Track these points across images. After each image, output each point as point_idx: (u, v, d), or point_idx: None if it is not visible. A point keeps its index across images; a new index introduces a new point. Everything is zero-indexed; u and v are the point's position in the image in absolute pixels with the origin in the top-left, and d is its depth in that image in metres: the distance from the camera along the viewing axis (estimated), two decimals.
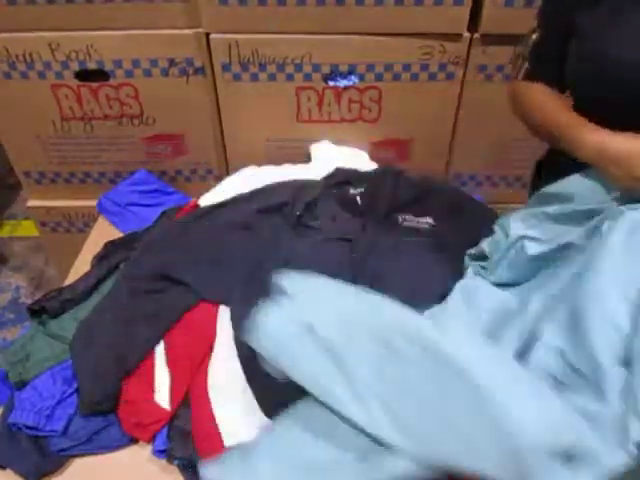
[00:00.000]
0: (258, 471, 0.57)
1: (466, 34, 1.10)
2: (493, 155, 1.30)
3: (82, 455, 0.82)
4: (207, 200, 1.14)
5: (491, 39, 1.11)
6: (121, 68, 1.16)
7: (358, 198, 1.08)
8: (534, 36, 0.82)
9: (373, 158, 1.25)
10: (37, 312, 0.99)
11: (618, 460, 0.50)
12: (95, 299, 1.01)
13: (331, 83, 1.18)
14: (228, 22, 1.09)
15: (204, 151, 1.31)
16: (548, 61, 0.82)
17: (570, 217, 0.72)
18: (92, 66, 1.16)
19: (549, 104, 0.80)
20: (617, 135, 0.68)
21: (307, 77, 1.17)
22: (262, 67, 1.15)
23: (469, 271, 0.84)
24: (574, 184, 0.74)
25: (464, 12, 1.07)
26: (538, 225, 0.75)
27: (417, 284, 0.96)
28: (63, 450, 0.82)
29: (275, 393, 0.80)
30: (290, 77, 1.16)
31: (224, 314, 0.93)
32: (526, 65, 0.84)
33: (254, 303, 0.92)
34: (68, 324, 0.96)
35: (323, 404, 0.59)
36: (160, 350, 0.89)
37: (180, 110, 1.23)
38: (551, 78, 0.82)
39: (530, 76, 0.84)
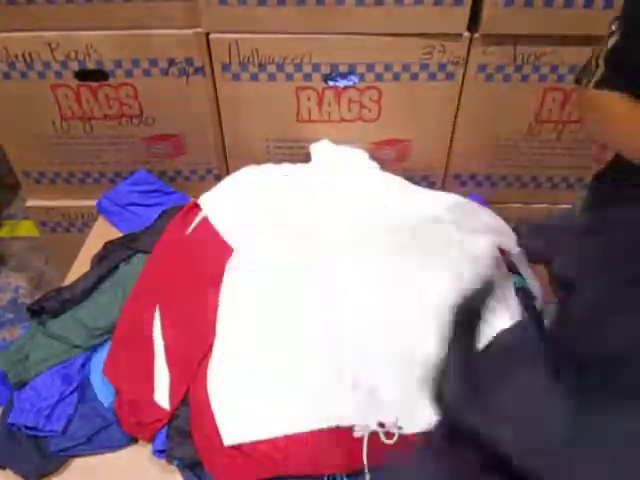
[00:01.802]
0: None
1: (466, 34, 1.10)
2: (493, 155, 1.29)
3: (82, 455, 0.82)
4: (207, 200, 1.14)
5: (491, 39, 1.10)
6: (121, 68, 1.16)
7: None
8: (612, 40, 0.75)
9: (373, 158, 1.25)
10: (37, 312, 0.99)
11: None
12: (95, 299, 1.02)
13: (331, 83, 1.17)
14: (228, 22, 1.09)
15: (204, 151, 1.31)
16: (629, 69, 0.75)
17: None
18: (91, 66, 1.15)
19: (625, 115, 0.74)
20: None
21: (307, 77, 1.16)
22: (262, 67, 1.15)
23: None
24: None
25: (464, 12, 1.07)
26: None
27: None
28: (63, 450, 0.82)
29: None
30: (290, 77, 1.16)
31: (224, 314, 0.93)
32: (602, 71, 0.77)
33: None
34: (68, 324, 0.96)
35: None
36: (160, 350, 0.89)
37: (180, 110, 1.23)
38: (630, 87, 0.75)
39: (605, 83, 0.77)
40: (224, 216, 1.10)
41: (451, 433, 0.49)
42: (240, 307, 0.94)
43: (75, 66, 1.15)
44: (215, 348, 0.89)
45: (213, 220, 1.09)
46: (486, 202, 1.28)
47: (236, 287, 0.98)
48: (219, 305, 0.95)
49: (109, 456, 0.83)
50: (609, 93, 0.77)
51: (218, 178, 1.29)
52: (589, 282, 0.58)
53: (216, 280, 1.00)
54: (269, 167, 1.23)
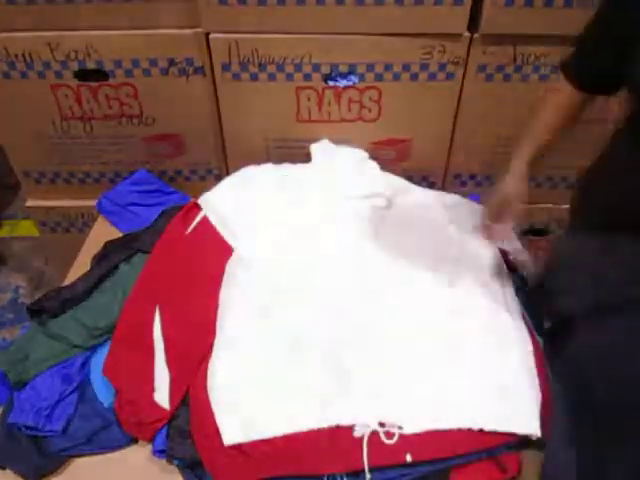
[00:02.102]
0: None
1: (466, 34, 1.10)
2: (493, 155, 1.29)
3: (82, 455, 0.82)
4: (207, 200, 1.14)
5: (491, 39, 1.11)
6: (121, 68, 1.16)
7: None
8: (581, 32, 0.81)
9: (373, 158, 1.25)
10: (37, 312, 0.98)
11: None
12: (95, 299, 1.01)
13: (331, 83, 1.17)
14: (228, 22, 1.09)
15: (204, 151, 1.31)
16: (581, 54, 0.82)
17: None
18: (91, 66, 1.16)
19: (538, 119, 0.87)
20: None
21: (307, 77, 1.16)
22: (262, 67, 1.15)
23: None
24: None
25: (464, 12, 1.07)
26: None
27: None
28: (63, 450, 0.82)
29: None
30: (290, 77, 1.16)
31: (224, 314, 0.93)
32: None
33: None
34: (68, 324, 0.96)
35: None
36: (160, 350, 0.89)
37: (180, 110, 1.23)
38: (576, 71, 0.83)
39: (561, 65, 0.85)
40: (224, 216, 1.10)
41: None
42: (240, 307, 0.94)
43: (75, 66, 1.15)
44: (215, 348, 0.88)
45: (213, 220, 1.09)
46: None
47: (236, 287, 0.98)
48: (219, 305, 0.95)
49: (109, 456, 0.83)
50: (562, 78, 0.84)
51: (218, 178, 1.29)
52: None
53: (216, 280, 1.00)
54: (269, 167, 1.23)
